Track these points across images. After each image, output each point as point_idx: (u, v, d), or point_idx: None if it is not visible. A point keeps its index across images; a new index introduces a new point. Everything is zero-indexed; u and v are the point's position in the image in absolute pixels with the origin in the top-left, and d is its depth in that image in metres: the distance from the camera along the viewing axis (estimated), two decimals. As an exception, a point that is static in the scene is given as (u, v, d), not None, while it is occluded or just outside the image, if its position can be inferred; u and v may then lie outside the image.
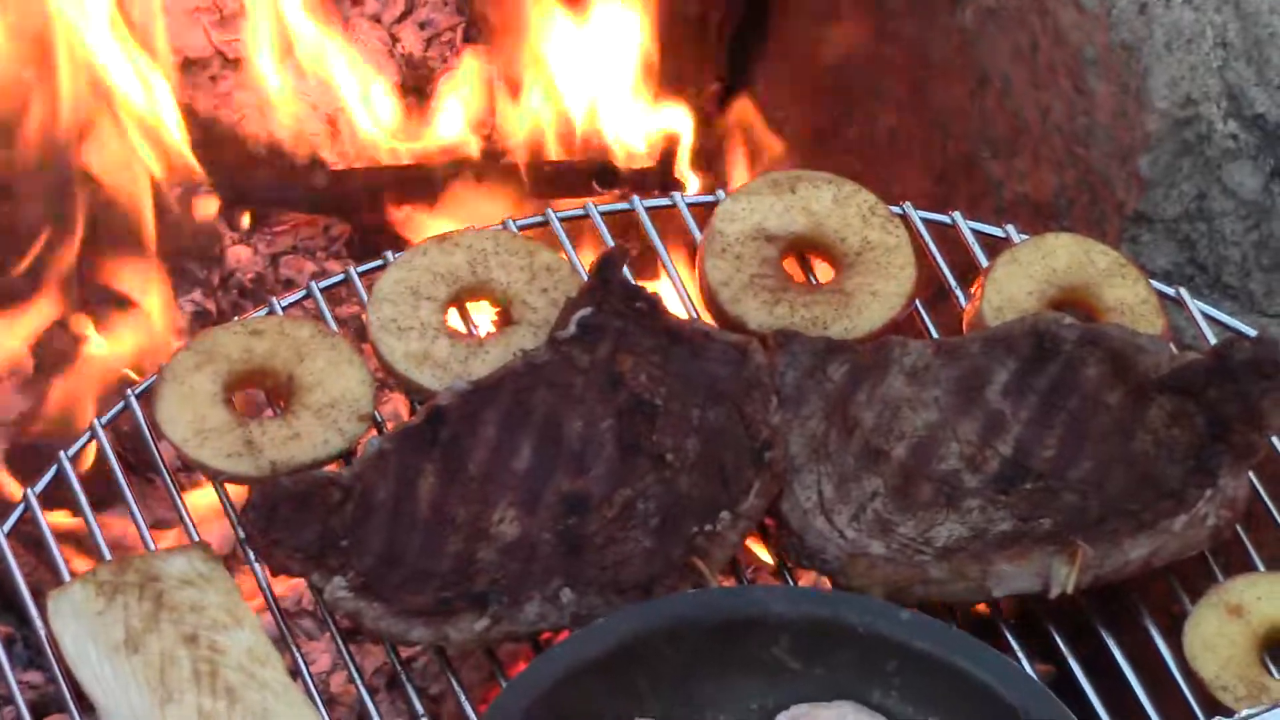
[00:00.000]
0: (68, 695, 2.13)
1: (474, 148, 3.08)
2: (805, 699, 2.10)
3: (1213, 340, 2.41)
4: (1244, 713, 2.05)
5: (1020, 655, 2.21)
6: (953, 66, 2.84)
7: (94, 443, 2.34)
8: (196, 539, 2.26)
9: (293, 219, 3.12)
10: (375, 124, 3.14)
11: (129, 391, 2.35)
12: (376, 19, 3.30)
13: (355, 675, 2.23)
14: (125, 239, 2.97)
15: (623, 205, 2.57)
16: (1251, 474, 2.27)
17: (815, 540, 2.22)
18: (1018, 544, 2.20)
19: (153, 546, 2.25)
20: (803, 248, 2.46)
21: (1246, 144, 2.65)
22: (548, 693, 2.06)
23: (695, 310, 2.45)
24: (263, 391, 2.33)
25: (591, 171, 3.05)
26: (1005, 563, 2.20)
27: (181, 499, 2.34)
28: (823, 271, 2.48)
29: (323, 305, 2.42)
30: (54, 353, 2.90)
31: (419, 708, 2.19)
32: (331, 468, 2.28)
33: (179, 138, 3.07)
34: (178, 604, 2.13)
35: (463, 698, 2.19)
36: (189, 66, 3.27)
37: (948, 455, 2.27)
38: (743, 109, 3.11)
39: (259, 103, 3.21)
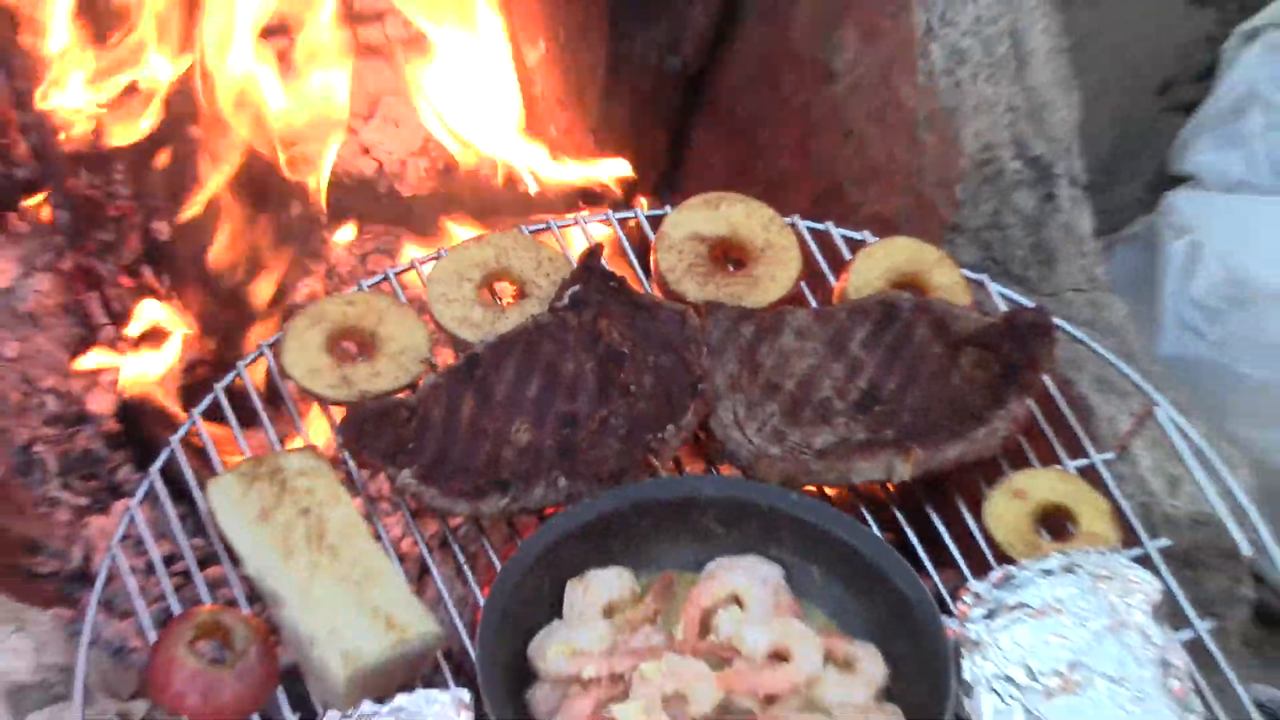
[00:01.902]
0: (221, 553, 2.14)
1: (500, 179, 3.06)
2: (726, 553, 2.11)
3: (1004, 310, 2.40)
4: (1024, 563, 2.06)
5: (873, 524, 2.21)
6: (827, 124, 2.84)
7: (239, 379, 2.35)
8: (308, 443, 2.27)
9: (375, 229, 3.11)
10: (431, 163, 3.13)
11: (262, 344, 2.35)
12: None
13: (419, 539, 2.24)
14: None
15: (600, 217, 2.56)
16: (1030, 401, 2.26)
17: (732, 446, 2.22)
18: (870, 448, 2.20)
19: (278, 450, 2.25)
20: (724, 246, 2.45)
21: (1028, 177, 2.66)
22: (549, 549, 2.07)
23: (650, 288, 2.44)
24: (354, 344, 2.32)
25: (579, 195, 3.05)
26: (861, 461, 2.20)
27: (300, 417, 2.35)
28: (737, 262, 2.47)
29: (396, 285, 2.43)
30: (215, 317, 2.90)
31: (461, 559, 2.20)
32: (401, 395, 2.27)
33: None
34: (296, 488, 2.13)
35: (491, 553, 2.20)
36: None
37: (823, 388, 2.27)
38: (683, 154, 3.10)
39: (356, 148, 3.20)
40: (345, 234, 3.02)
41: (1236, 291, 2.98)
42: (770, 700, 1.98)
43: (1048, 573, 2.04)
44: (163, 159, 2.95)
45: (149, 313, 2.91)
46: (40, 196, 2.99)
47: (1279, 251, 2.99)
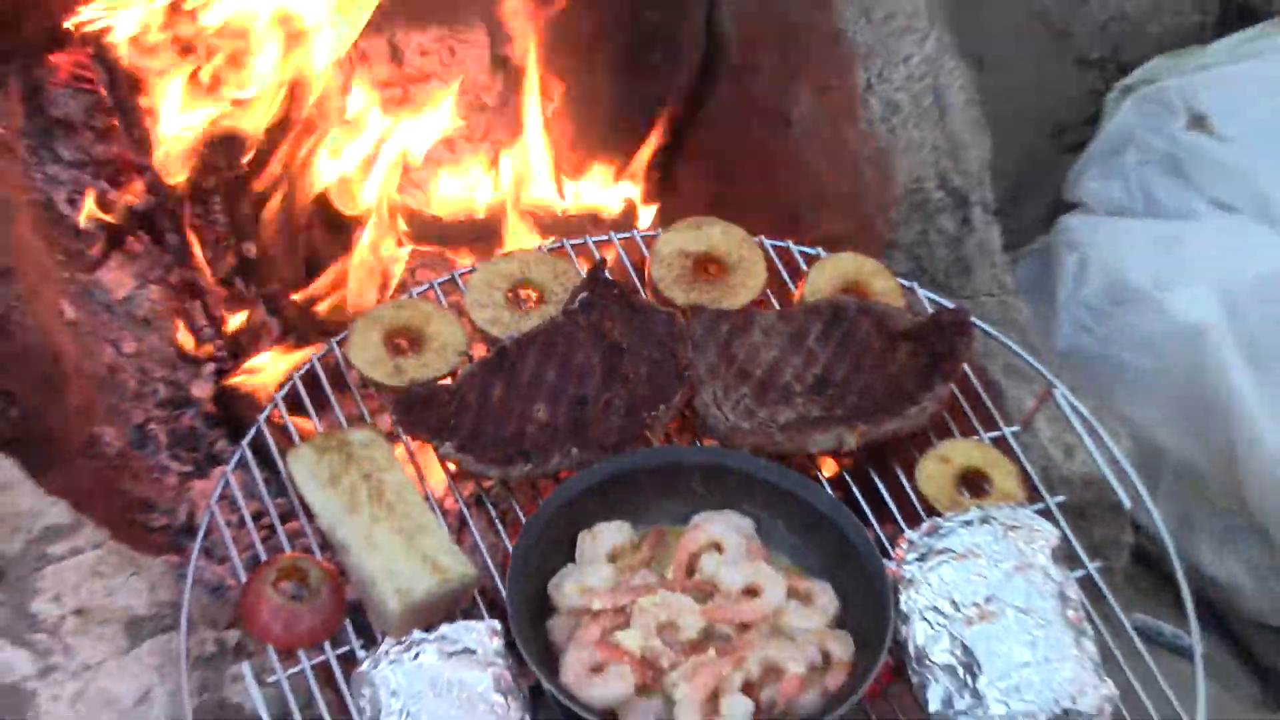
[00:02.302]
0: (299, 510, 2.13)
1: (525, 207, 3.04)
2: (707, 509, 2.09)
3: (931, 310, 2.38)
4: (948, 515, 2.05)
5: (826, 485, 2.19)
6: (787, 161, 2.82)
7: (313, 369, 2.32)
8: (369, 421, 2.24)
9: (422, 249, 3.09)
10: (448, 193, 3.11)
11: (331, 340, 2.32)
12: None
13: (458, 498, 2.22)
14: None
15: (604, 237, 2.53)
16: (953, 385, 2.25)
17: (712, 421, 2.19)
18: (823, 423, 2.18)
19: (345, 427, 2.22)
20: (705, 259, 2.41)
21: (948, 203, 2.64)
22: (564, 506, 2.06)
23: (645, 294, 2.41)
24: (405, 340, 2.28)
25: (587, 218, 3.03)
26: (816, 434, 2.17)
27: (361, 401, 2.32)
28: (715, 273, 2.43)
29: (439, 293, 2.40)
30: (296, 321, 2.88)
31: (493, 514, 2.19)
32: (443, 382, 2.25)
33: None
34: (360, 458, 2.11)
35: (517, 509, 2.17)
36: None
37: (785, 375, 2.24)
38: (671, 186, 3.08)
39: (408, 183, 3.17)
40: (399, 252, 2.98)
41: (1117, 295, 2.97)
42: (744, 628, 1.97)
43: (968, 523, 2.04)
44: (252, 193, 2.94)
45: (240, 316, 2.88)
46: (153, 224, 2.98)
47: (1150, 262, 2.98)
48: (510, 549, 2.05)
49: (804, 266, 2.45)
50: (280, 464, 2.18)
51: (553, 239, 2.59)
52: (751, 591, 2.01)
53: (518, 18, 3.15)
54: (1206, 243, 2.99)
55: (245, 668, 2.01)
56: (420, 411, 2.19)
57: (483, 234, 3.07)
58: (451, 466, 2.19)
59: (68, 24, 2.90)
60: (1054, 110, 3.52)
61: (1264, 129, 3.17)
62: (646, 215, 3.06)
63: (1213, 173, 3.12)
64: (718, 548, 2.05)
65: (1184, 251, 2.98)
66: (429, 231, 3.07)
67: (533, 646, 1.93)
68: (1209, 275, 2.90)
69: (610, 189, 3.07)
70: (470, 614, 2.04)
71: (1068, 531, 2.14)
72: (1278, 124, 3.17)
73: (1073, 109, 3.53)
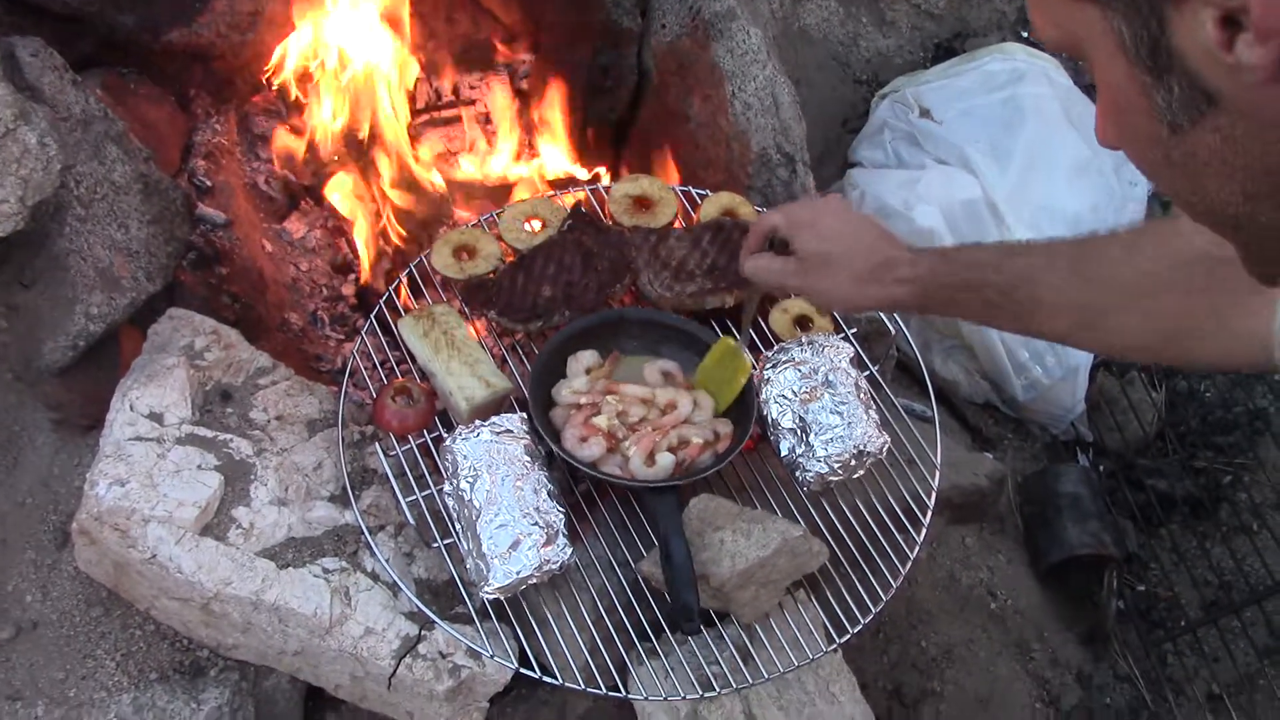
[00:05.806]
0: (406, 355, 2.00)
1: (531, 174, 2.84)
2: (641, 346, 1.99)
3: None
4: (788, 341, 1.95)
5: (717, 329, 2.06)
6: (688, 140, 2.64)
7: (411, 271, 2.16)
8: (444, 300, 2.10)
9: (474, 200, 2.88)
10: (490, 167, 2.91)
11: (421, 254, 2.17)
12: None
13: (499, 344, 2.08)
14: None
15: (580, 189, 2.37)
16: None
17: (647, 293, 2.07)
18: (713, 292, 2.07)
19: (431, 304, 2.08)
20: (640, 199, 2.27)
21: (782, 162, 2.48)
22: (560, 344, 1.95)
23: (606, 220, 2.25)
24: (465, 252, 2.14)
25: (568, 181, 2.84)
26: (709, 298, 2.07)
27: (445, 293, 2.17)
28: (645, 207, 2.28)
29: (484, 225, 2.24)
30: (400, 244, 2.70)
31: (520, 353, 2.05)
32: (489, 276, 2.10)
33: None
34: (440, 321, 1.98)
35: (534, 349, 2.04)
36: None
37: (689, 264, 2.11)
38: (619, 158, 2.89)
39: (462, 164, 2.96)
40: (460, 203, 2.80)
41: (883, 213, 2.85)
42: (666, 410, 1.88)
43: (800, 346, 1.95)
44: (374, 171, 2.75)
45: (368, 242, 2.71)
46: (317, 193, 2.79)
47: (900, 194, 2.87)
48: (530, 370, 1.94)
49: (699, 201, 2.31)
50: (394, 328, 2.04)
51: (550, 190, 2.41)
52: (671, 405, 1.91)
53: (525, 65, 2.94)
54: (932, 182, 2.86)
55: (377, 447, 1.92)
56: (476, 293, 2.06)
57: (505, 189, 2.87)
58: (495, 325, 2.06)
59: (263, 78, 2.70)
60: (841, 108, 3.37)
61: (963, 117, 3.04)
62: (605, 176, 2.88)
63: (934, 142, 2.98)
64: (665, 375, 1.95)
65: (919, 188, 2.86)
66: (478, 190, 2.87)
67: (545, 427, 1.84)
68: (934, 200, 2.79)
69: (584, 160, 2.88)
70: (511, 409, 1.92)
71: (859, 349, 2.04)
72: (971, 114, 3.03)
73: (852, 108, 3.37)
